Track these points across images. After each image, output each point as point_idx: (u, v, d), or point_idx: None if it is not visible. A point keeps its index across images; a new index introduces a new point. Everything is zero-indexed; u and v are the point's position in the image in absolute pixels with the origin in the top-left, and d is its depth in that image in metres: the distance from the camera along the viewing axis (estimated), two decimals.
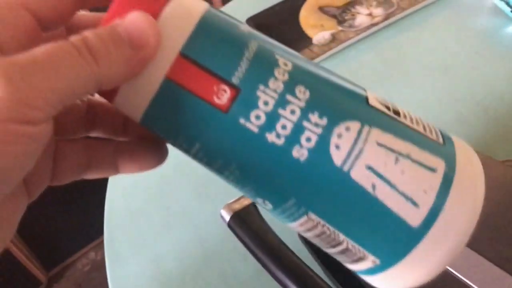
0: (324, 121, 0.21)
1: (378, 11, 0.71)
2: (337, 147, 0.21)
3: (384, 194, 0.21)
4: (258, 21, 0.74)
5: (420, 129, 0.23)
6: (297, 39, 0.70)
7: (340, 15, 0.73)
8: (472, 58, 0.62)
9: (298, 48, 0.68)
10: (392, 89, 0.60)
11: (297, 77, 0.21)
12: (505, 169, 0.36)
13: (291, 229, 0.24)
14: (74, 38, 0.19)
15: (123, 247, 0.51)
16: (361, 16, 0.71)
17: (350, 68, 0.65)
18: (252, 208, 0.36)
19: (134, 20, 0.20)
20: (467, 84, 0.59)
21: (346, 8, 0.73)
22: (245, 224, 0.34)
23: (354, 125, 0.21)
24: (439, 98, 0.58)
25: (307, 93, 0.21)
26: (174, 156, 0.58)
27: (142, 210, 0.54)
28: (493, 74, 0.59)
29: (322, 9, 0.75)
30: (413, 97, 0.59)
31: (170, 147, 0.63)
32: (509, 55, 0.61)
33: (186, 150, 0.22)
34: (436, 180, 0.22)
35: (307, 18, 0.74)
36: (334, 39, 0.69)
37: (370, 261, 0.22)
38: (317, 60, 0.66)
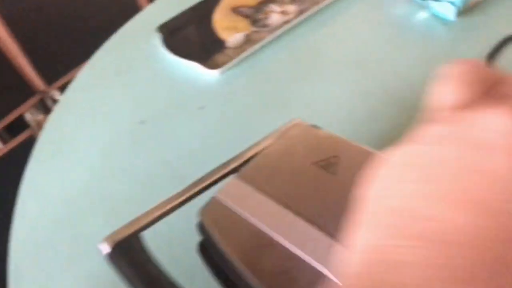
0: None
1: (291, 8, 0.69)
2: None
3: None
4: (171, 28, 0.72)
5: None
6: (211, 43, 0.68)
7: (254, 15, 0.71)
8: (385, 48, 0.61)
9: (212, 53, 0.66)
10: (307, 88, 0.59)
11: None
12: None
13: None
14: None
15: (29, 282, 0.48)
16: (275, 15, 0.70)
17: (264, 69, 0.63)
18: (134, 239, 0.33)
19: None
20: (380, 76, 0.58)
21: (259, 7, 0.72)
22: (126, 257, 0.32)
23: None
24: (352, 93, 0.57)
25: None
26: (81, 180, 0.55)
27: (49, 241, 0.51)
28: (405, 63, 0.58)
29: (235, 10, 0.73)
30: (327, 94, 0.57)
31: (77, 169, 0.58)
32: (420, 42, 0.61)
33: None
34: None
35: (221, 20, 0.71)
36: (248, 41, 0.67)
37: None
38: (231, 63, 0.64)
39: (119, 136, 0.59)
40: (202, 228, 0.35)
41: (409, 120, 0.52)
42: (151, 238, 0.48)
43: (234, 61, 0.64)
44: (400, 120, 0.52)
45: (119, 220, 0.48)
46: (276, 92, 0.59)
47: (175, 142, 0.57)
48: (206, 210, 0.35)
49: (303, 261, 0.31)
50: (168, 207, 0.35)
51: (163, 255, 0.47)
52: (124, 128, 0.60)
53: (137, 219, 0.34)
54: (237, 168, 0.39)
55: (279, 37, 0.67)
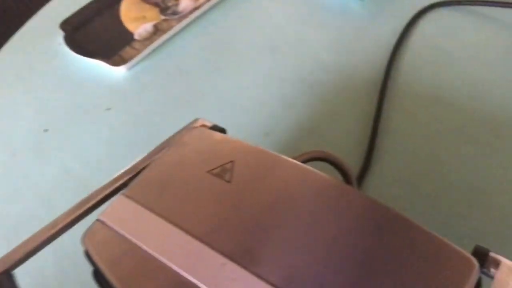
0: None
1: None
2: None
3: None
4: (75, 23, 0.66)
5: None
6: (118, 37, 0.63)
7: (163, 2, 0.66)
8: (300, 29, 0.58)
9: (118, 48, 0.61)
10: (221, 79, 0.55)
11: None
12: (292, 167, 0.32)
13: None
14: None
15: None
16: (185, 0, 0.65)
17: (176, 61, 0.59)
18: (4, 279, 0.29)
19: None
20: (295, 61, 0.54)
21: None
22: None
23: None
24: (265, 80, 0.53)
25: None
26: None
27: None
28: (320, 45, 0.55)
29: None
30: (241, 83, 0.54)
31: None
32: (335, 21, 0.58)
33: None
34: None
35: (128, 11, 0.66)
36: (157, 31, 0.62)
37: None
38: (139, 57, 0.59)
39: (21, 147, 0.54)
40: (87, 255, 0.32)
41: (324, 107, 0.50)
42: (57, 259, 0.44)
43: (141, 54, 0.59)
44: (316, 107, 0.49)
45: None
46: (188, 85, 0.56)
47: (81, 150, 0.52)
48: (89, 235, 0.32)
49: (194, 285, 0.28)
50: (44, 237, 0.31)
51: (70, 279, 0.44)
52: (25, 138, 0.55)
53: (8, 255, 0.30)
54: (127, 182, 0.35)
55: (189, 24, 0.62)
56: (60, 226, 0.32)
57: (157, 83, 0.57)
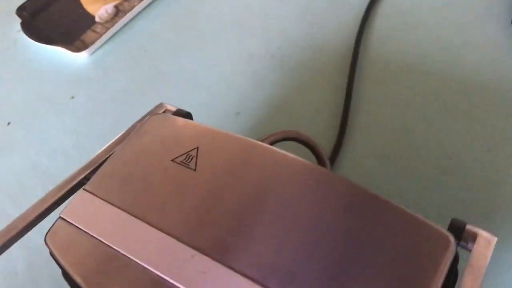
0: None
1: None
2: None
3: None
4: (32, 8, 0.63)
5: None
6: (79, 21, 0.60)
7: None
8: (265, 3, 0.56)
9: (79, 33, 0.59)
10: (188, 57, 0.53)
11: None
12: (259, 149, 0.31)
13: None
14: None
15: None
16: None
17: (140, 42, 0.56)
18: None
19: None
20: (261, 35, 0.53)
21: None
22: None
23: None
24: (233, 57, 0.51)
25: None
26: None
27: None
28: (286, 17, 0.53)
29: None
30: (208, 62, 0.52)
31: None
32: None
33: None
34: None
35: None
36: (119, 12, 0.60)
37: None
38: (100, 40, 0.57)
39: None
40: (52, 256, 0.30)
41: (295, 82, 0.48)
42: (29, 255, 0.42)
43: (103, 38, 0.57)
44: (287, 83, 0.47)
45: None
46: (153, 67, 0.53)
47: (47, 142, 0.50)
48: (51, 235, 0.30)
49: (162, 280, 0.27)
50: (3, 241, 0.30)
51: (43, 276, 0.42)
52: None
53: None
54: (89, 176, 0.33)
55: (151, 3, 0.60)
56: (13, 233, 0.30)
57: (121, 67, 0.54)
